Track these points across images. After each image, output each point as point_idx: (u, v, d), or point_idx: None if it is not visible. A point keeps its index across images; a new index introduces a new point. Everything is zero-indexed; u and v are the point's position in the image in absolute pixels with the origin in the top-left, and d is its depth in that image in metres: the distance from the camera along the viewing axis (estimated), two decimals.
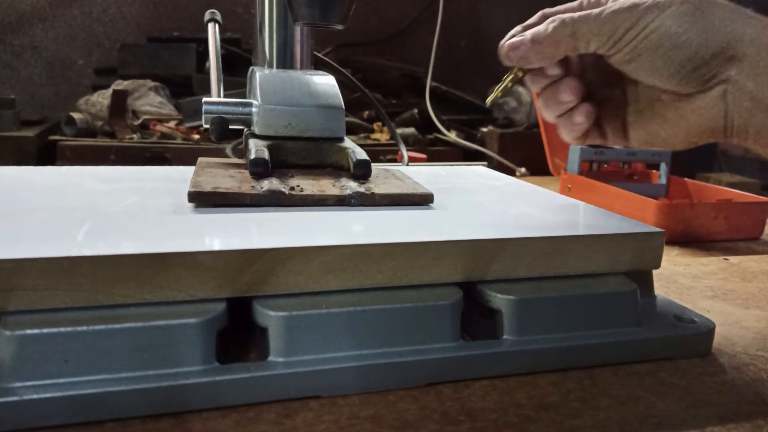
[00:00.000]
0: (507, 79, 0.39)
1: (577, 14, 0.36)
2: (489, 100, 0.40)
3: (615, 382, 0.31)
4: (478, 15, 1.87)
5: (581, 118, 0.39)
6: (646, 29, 0.34)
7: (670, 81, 0.35)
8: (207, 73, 1.36)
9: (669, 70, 0.35)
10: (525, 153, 1.27)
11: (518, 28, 0.39)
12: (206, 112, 0.45)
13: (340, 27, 0.41)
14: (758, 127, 0.34)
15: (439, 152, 1.37)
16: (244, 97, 0.49)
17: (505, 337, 0.32)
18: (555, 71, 0.39)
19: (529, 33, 0.37)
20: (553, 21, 0.36)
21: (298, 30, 0.48)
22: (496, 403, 0.29)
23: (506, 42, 0.38)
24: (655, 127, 0.38)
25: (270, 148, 0.42)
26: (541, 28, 0.37)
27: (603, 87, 0.40)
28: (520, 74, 0.39)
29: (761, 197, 0.67)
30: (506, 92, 0.46)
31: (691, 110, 0.36)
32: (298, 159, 0.44)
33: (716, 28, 0.34)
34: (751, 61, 0.33)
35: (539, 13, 0.39)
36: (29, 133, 1.20)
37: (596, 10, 0.36)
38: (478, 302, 0.33)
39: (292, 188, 0.38)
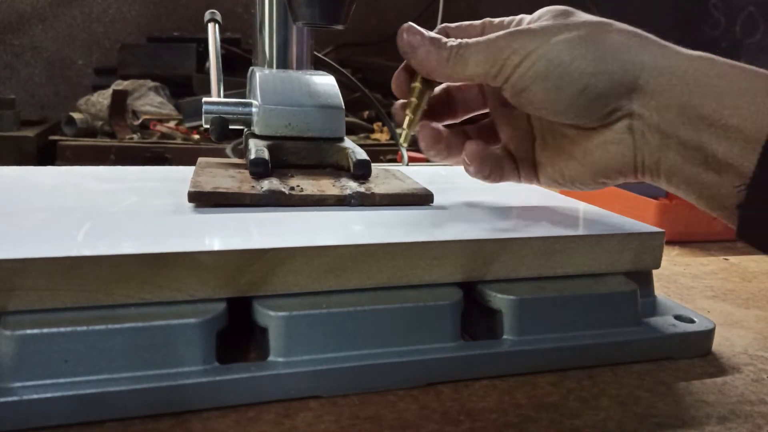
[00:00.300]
0: (410, 118, 0.37)
1: (470, 39, 0.34)
2: (403, 141, 0.37)
3: (615, 382, 0.31)
4: (478, 15, 1.87)
5: (486, 163, 0.37)
6: (531, 57, 0.32)
7: (566, 114, 0.33)
8: (207, 73, 1.36)
9: (562, 103, 0.32)
10: None
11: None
12: (206, 112, 0.45)
13: (340, 27, 0.41)
14: (669, 164, 0.31)
15: None
16: (244, 97, 0.49)
17: (505, 337, 0.32)
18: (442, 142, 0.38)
19: (430, 34, 0.35)
20: (452, 43, 0.34)
21: (298, 30, 0.48)
22: (496, 403, 0.29)
23: (407, 36, 0.35)
24: (562, 164, 0.36)
25: (270, 148, 0.42)
26: (440, 40, 0.35)
27: (509, 121, 0.38)
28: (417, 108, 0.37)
29: None
30: None
31: (596, 146, 0.33)
32: (298, 159, 0.44)
33: (613, 57, 0.31)
34: (655, 93, 0.31)
35: (439, 27, 0.38)
36: (29, 133, 1.20)
37: (484, 37, 0.34)
38: (478, 302, 0.33)
39: (292, 188, 0.38)
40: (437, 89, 0.40)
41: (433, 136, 0.38)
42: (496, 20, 0.37)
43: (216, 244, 0.29)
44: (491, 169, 0.37)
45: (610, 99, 0.32)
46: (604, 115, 0.32)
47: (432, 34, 0.36)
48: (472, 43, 0.34)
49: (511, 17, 0.36)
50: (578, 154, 0.34)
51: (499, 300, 0.32)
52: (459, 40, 0.34)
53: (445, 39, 0.35)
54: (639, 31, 0.33)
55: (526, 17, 0.35)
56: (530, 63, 0.32)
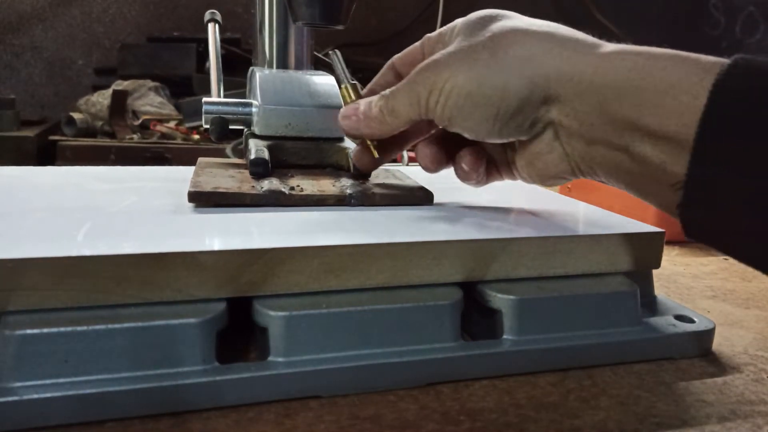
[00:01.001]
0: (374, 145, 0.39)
1: (393, 88, 0.35)
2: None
3: (615, 382, 0.31)
4: None
5: (466, 167, 0.38)
6: (444, 92, 0.32)
7: (492, 136, 0.33)
8: (207, 73, 1.36)
9: (484, 128, 0.33)
10: None
11: (365, 90, 0.39)
12: (206, 113, 0.45)
13: (340, 27, 0.41)
14: (603, 167, 0.31)
15: None
16: (244, 97, 0.49)
17: (505, 337, 0.32)
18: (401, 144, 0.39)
19: (361, 105, 0.36)
20: (381, 98, 0.35)
21: (297, 30, 0.48)
22: (495, 403, 0.29)
23: (341, 111, 0.37)
24: (528, 166, 0.36)
25: (270, 148, 0.42)
26: (370, 104, 0.36)
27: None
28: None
29: None
30: None
31: (535, 156, 0.34)
32: (298, 159, 0.44)
33: (519, 74, 0.31)
34: (568, 100, 0.30)
35: (388, 64, 0.39)
36: (29, 133, 1.20)
37: (404, 81, 0.34)
38: (478, 302, 0.33)
39: (292, 188, 0.38)
40: None
41: (431, 155, 0.39)
42: (434, 35, 0.37)
43: (216, 244, 0.29)
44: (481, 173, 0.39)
45: (525, 114, 0.32)
46: (526, 129, 0.33)
47: (362, 103, 0.37)
48: (394, 91, 0.35)
49: (449, 26, 0.36)
50: (523, 164, 0.36)
51: (499, 300, 0.32)
52: (383, 94, 0.35)
53: (373, 101, 0.36)
54: (548, 30, 0.32)
55: (455, 28, 0.35)
56: (445, 98, 0.33)
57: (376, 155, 0.39)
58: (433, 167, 0.39)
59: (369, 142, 0.39)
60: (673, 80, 0.26)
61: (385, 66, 0.39)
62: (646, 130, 0.27)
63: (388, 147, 0.40)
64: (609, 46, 0.30)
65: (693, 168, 0.25)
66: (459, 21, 0.35)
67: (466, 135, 0.34)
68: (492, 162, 0.39)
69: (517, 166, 0.36)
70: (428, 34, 0.37)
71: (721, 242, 0.27)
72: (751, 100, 0.24)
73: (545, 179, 0.35)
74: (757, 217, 0.24)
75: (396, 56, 0.39)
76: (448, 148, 0.39)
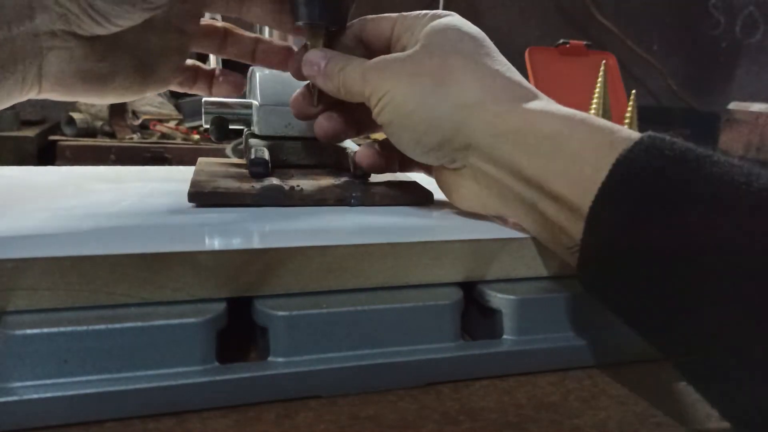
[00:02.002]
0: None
1: (351, 65, 0.35)
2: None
3: (615, 381, 0.31)
4: (478, 14, 1.87)
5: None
6: (383, 99, 0.33)
7: (415, 156, 0.35)
8: None
9: (409, 147, 0.34)
10: None
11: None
12: (206, 113, 0.45)
13: (340, 27, 0.41)
14: (513, 208, 0.32)
15: None
16: (244, 96, 0.49)
17: (505, 336, 0.32)
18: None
19: (326, 62, 0.36)
20: (340, 68, 0.35)
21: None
22: (496, 403, 0.29)
23: (308, 54, 0.37)
24: (440, 187, 0.37)
25: (270, 148, 0.42)
26: (334, 65, 0.36)
27: None
28: None
29: None
30: None
31: (453, 184, 0.36)
32: (298, 159, 0.44)
33: (449, 114, 0.32)
34: (489, 151, 0.32)
35: (359, 22, 0.39)
36: (29, 133, 1.20)
37: (359, 65, 0.35)
38: (478, 302, 0.33)
39: (292, 188, 0.38)
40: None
41: (371, 154, 0.40)
42: (408, 19, 0.37)
43: (216, 244, 0.29)
44: None
45: (445, 152, 0.33)
46: (446, 162, 0.34)
47: (329, 59, 0.36)
48: (349, 70, 0.35)
49: (421, 16, 0.36)
50: (447, 185, 0.37)
51: (499, 300, 0.32)
52: (343, 65, 0.36)
53: (337, 63, 0.36)
54: (490, 76, 0.33)
55: (423, 29, 0.35)
56: (382, 106, 0.34)
57: (315, 103, 0.40)
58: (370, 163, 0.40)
59: (311, 87, 0.39)
60: (583, 153, 0.28)
61: (357, 22, 0.39)
62: (550, 193, 0.29)
63: (346, 119, 0.40)
64: (536, 104, 0.32)
65: (585, 236, 0.27)
66: (428, 22, 0.35)
67: (395, 143, 0.35)
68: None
69: (438, 184, 0.38)
70: (404, 14, 0.37)
71: (611, 306, 0.28)
72: (645, 180, 0.25)
73: (461, 206, 0.36)
74: (641, 299, 0.26)
75: (369, 19, 0.38)
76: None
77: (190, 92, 0.42)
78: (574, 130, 0.29)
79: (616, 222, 0.26)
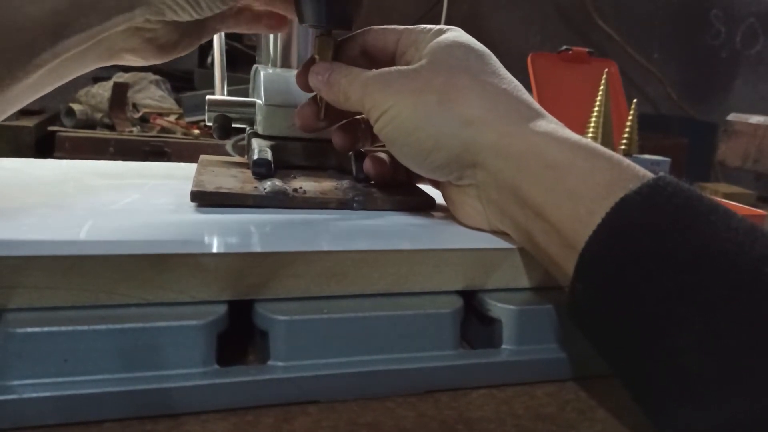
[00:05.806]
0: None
1: (353, 76, 0.35)
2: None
3: (611, 393, 0.31)
4: (480, 16, 1.87)
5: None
6: (385, 116, 0.33)
7: (421, 172, 0.35)
8: (208, 68, 1.36)
9: (414, 163, 0.34)
10: None
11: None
12: (210, 111, 0.45)
13: (347, 30, 0.41)
14: (513, 229, 0.32)
15: None
16: (246, 93, 0.49)
17: (504, 346, 0.32)
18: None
19: (332, 72, 0.36)
20: (347, 79, 0.35)
21: (302, 29, 0.48)
22: (493, 413, 0.29)
23: (315, 65, 0.37)
24: (445, 202, 0.38)
25: (273, 149, 0.42)
26: (338, 77, 0.36)
27: None
28: None
29: (756, 210, 0.67)
30: None
31: (458, 200, 0.36)
32: (300, 160, 0.44)
33: (455, 132, 0.32)
34: (491, 172, 0.31)
35: (363, 32, 0.39)
36: (28, 123, 1.19)
37: (361, 78, 0.34)
38: (478, 311, 0.33)
39: (295, 190, 0.38)
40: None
41: (379, 164, 0.40)
42: (414, 33, 0.37)
43: (218, 246, 0.29)
44: None
45: (451, 169, 0.33)
46: (453, 178, 0.34)
47: (335, 70, 0.36)
48: (352, 80, 0.35)
49: (426, 31, 0.36)
50: (452, 200, 0.37)
51: (499, 309, 0.32)
52: (348, 75, 0.35)
53: (342, 75, 0.36)
54: (496, 95, 0.32)
55: (428, 44, 0.35)
56: (385, 121, 0.33)
57: (322, 116, 0.40)
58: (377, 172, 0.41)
59: (319, 100, 0.39)
60: (580, 190, 0.27)
61: (361, 31, 0.39)
62: (546, 223, 0.29)
63: (346, 127, 0.41)
64: (542, 125, 0.31)
65: (573, 281, 0.27)
66: (433, 37, 0.35)
67: (399, 159, 0.35)
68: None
69: (444, 199, 0.38)
70: (409, 27, 0.37)
71: (594, 344, 0.28)
72: (634, 237, 0.25)
73: (466, 223, 0.36)
74: (621, 350, 0.26)
75: (374, 30, 0.38)
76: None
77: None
78: (575, 162, 0.28)
79: (604, 276, 0.25)
